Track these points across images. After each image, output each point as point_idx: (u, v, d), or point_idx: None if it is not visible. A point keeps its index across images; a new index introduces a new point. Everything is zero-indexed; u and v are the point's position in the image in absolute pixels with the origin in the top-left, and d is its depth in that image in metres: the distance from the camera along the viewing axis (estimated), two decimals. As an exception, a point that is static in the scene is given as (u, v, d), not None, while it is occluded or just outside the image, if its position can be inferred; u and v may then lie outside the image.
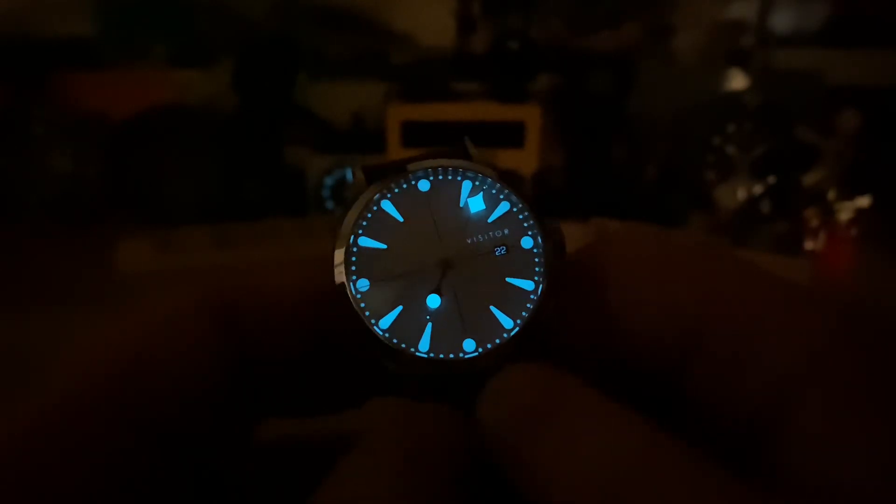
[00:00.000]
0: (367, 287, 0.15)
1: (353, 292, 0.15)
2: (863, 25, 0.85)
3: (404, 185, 0.16)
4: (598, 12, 0.84)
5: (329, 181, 0.75)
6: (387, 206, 0.16)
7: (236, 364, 0.15)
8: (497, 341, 0.15)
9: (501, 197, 0.16)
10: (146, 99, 0.77)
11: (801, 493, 0.12)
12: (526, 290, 0.15)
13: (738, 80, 0.84)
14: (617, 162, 0.79)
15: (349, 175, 0.75)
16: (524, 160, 0.69)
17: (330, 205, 0.75)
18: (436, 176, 0.16)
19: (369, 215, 0.16)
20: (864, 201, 0.70)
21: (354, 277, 0.16)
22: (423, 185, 0.16)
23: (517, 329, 0.15)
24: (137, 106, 0.77)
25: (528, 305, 0.15)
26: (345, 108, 0.82)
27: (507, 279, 0.16)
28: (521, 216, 0.16)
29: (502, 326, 0.15)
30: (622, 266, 0.15)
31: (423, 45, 0.84)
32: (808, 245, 0.69)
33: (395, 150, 0.71)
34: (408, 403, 0.14)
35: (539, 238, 0.16)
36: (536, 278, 0.16)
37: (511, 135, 0.70)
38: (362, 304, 0.15)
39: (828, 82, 0.82)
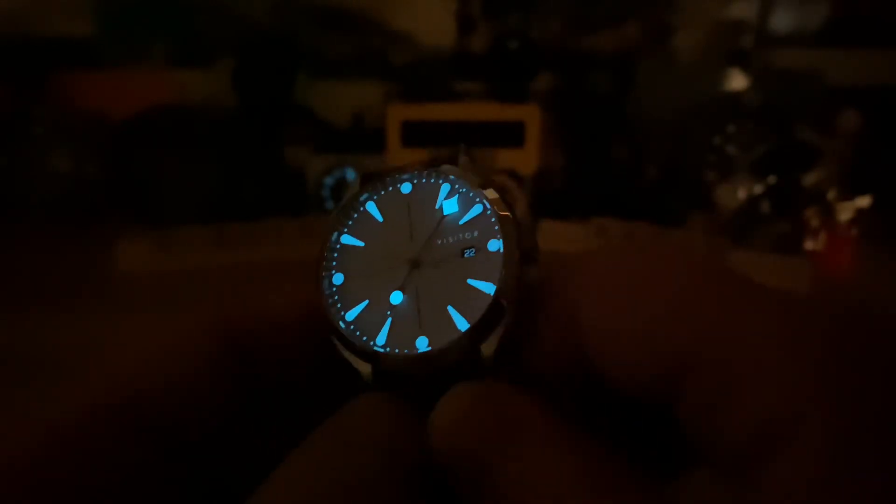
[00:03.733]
0: (342, 281, 0.17)
1: (328, 286, 0.16)
2: (863, 25, 0.85)
3: (389, 189, 0.17)
4: (598, 12, 0.84)
5: (329, 181, 0.75)
6: (371, 207, 0.17)
7: (242, 380, 0.16)
8: (448, 340, 0.15)
9: (477, 199, 0.16)
10: (146, 99, 0.77)
11: None
12: (485, 293, 0.15)
13: (738, 80, 0.84)
14: (617, 162, 0.79)
15: (349, 175, 0.75)
16: (524, 160, 0.69)
17: (330, 205, 0.75)
18: (419, 179, 0.17)
19: (355, 215, 0.17)
20: (864, 201, 0.70)
21: (333, 272, 0.17)
22: (405, 188, 0.17)
23: (468, 329, 0.15)
24: (137, 106, 0.77)
25: (484, 307, 0.15)
26: (345, 108, 0.82)
27: (469, 280, 0.16)
28: (493, 218, 0.16)
29: (455, 327, 0.15)
30: (593, 294, 0.15)
31: (423, 45, 0.84)
32: (808, 245, 0.69)
33: (395, 150, 0.71)
34: (360, 403, 0.15)
35: (507, 240, 0.16)
36: (497, 281, 0.15)
37: (511, 135, 0.70)
38: (336, 297, 0.16)
39: (828, 82, 0.82)
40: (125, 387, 0.15)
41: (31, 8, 0.80)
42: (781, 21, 0.86)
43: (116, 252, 0.64)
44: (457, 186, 0.17)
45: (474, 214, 0.16)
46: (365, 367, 0.16)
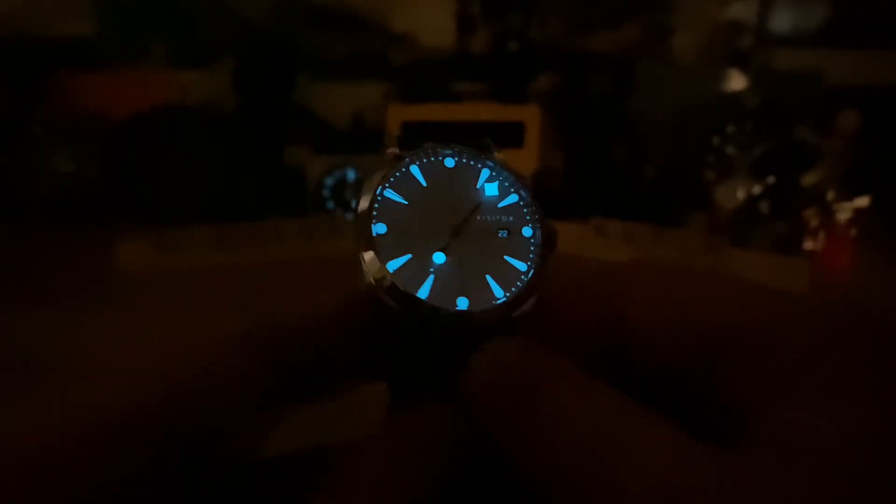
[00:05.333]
0: (384, 231, 0.18)
1: (372, 233, 0.17)
2: (862, 26, 0.85)
3: (432, 158, 0.19)
4: (597, 12, 0.84)
5: (329, 181, 0.75)
6: (414, 170, 0.18)
7: (271, 386, 0.16)
8: (487, 305, 0.17)
9: (512, 189, 0.19)
10: (146, 99, 0.77)
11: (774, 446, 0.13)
12: (519, 270, 0.18)
13: (737, 81, 0.84)
14: (617, 162, 0.80)
15: (349, 175, 0.75)
16: (524, 160, 0.69)
17: (330, 205, 0.75)
18: (460, 158, 0.19)
19: (398, 174, 0.18)
20: (863, 202, 0.70)
21: (374, 221, 0.18)
22: (449, 162, 0.19)
23: (505, 298, 0.17)
24: (138, 106, 0.77)
25: (518, 283, 0.17)
26: (345, 108, 0.82)
27: (506, 257, 0.18)
28: (525, 209, 0.18)
29: (493, 294, 0.17)
30: (642, 299, 0.17)
31: (422, 46, 0.84)
32: (808, 245, 0.70)
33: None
34: (399, 407, 0.16)
35: (538, 230, 0.18)
36: (529, 262, 0.18)
37: (511, 135, 0.70)
38: (377, 245, 0.17)
39: (827, 82, 0.82)
40: (160, 390, 0.15)
41: (31, 8, 0.80)
42: (780, 21, 0.86)
43: (117, 252, 0.64)
44: (495, 173, 0.19)
45: (511, 202, 0.18)
46: (401, 316, 0.17)
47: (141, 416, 0.15)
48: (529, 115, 0.70)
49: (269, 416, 0.17)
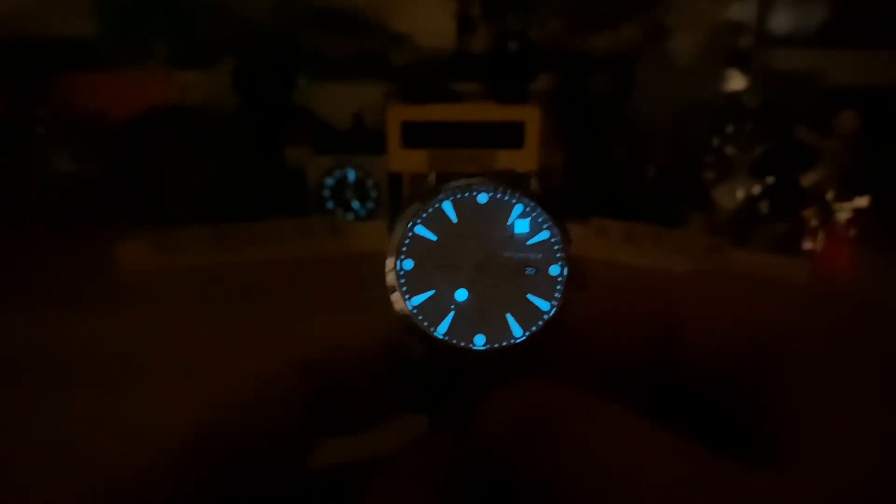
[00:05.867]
0: (412, 266, 0.18)
1: (398, 269, 0.18)
2: (862, 26, 0.85)
3: (466, 194, 0.19)
4: (597, 13, 0.84)
5: (329, 181, 0.75)
6: (447, 206, 0.18)
7: (316, 414, 0.18)
8: (504, 343, 0.17)
9: (545, 226, 0.18)
10: (147, 99, 0.77)
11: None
12: (541, 310, 0.18)
13: (737, 81, 0.84)
14: (616, 162, 0.80)
15: (350, 175, 0.75)
16: (524, 160, 0.69)
17: (330, 205, 0.75)
18: (495, 193, 0.19)
19: (430, 210, 0.18)
20: (862, 202, 0.71)
21: (403, 256, 0.18)
22: (482, 199, 0.19)
23: (524, 338, 0.17)
24: (138, 106, 0.77)
25: (539, 322, 0.17)
26: (345, 108, 0.82)
27: (528, 295, 0.18)
28: (556, 247, 0.18)
29: (512, 333, 0.17)
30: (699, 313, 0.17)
31: (422, 46, 0.84)
32: (807, 245, 0.70)
33: (396, 151, 0.71)
34: (426, 430, 0.17)
35: (565, 270, 0.18)
36: (553, 302, 0.18)
37: (511, 135, 0.70)
38: (402, 280, 0.18)
39: (827, 83, 0.82)
40: (226, 418, 0.16)
41: (32, 9, 0.80)
42: (780, 22, 0.86)
43: (117, 252, 0.64)
44: (528, 210, 0.18)
45: (541, 239, 0.18)
46: (420, 351, 0.17)
47: (211, 441, 0.16)
48: (529, 115, 0.70)
49: (313, 441, 0.18)
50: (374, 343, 0.18)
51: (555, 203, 0.19)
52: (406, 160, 0.71)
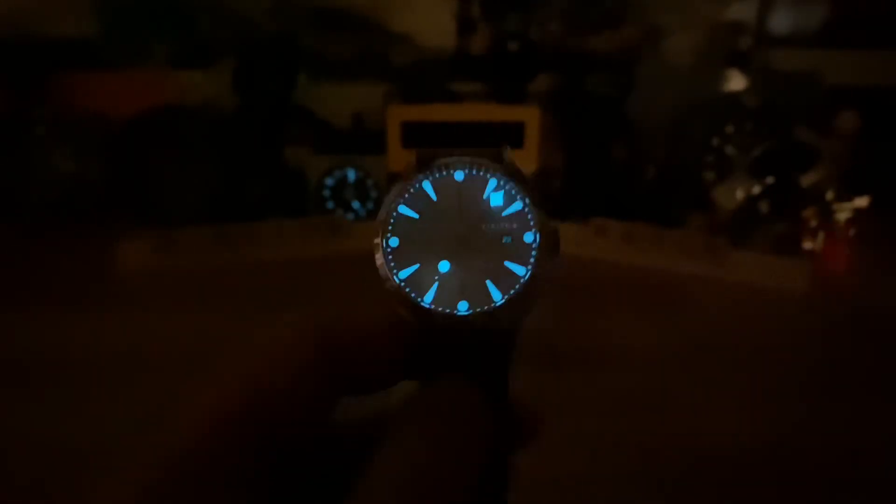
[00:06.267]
0: (397, 244, 0.20)
1: (385, 247, 0.19)
2: (861, 26, 0.85)
3: (444, 173, 0.20)
4: (597, 13, 0.84)
5: (329, 181, 0.75)
6: (426, 186, 0.20)
7: (332, 380, 0.18)
8: (485, 307, 0.19)
9: (518, 197, 0.20)
10: (147, 99, 0.77)
11: None
12: (518, 275, 0.19)
13: (736, 81, 0.84)
14: (616, 162, 0.80)
15: (350, 175, 0.75)
16: (524, 160, 0.69)
17: (330, 205, 0.75)
18: (470, 170, 0.20)
19: (412, 190, 0.20)
20: (862, 202, 0.71)
21: (389, 235, 0.20)
22: (458, 176, 0.20)
23: (503, 301, 0.19)
24: (138, 106, 0.77)
25: (517, 286, 0.19)
26: (345, 108, 0.82)
27: (505, 262, 0.19)
28: (529, 215, 0.20)
29: (491, 297, 0.19)
30: None
31: (423, 46, 0.85)
32: (807, 245, 0.70)
33: (396, 151, 0.71)
34: (429, 389, 0.18)
35: (538, 235, 0.19)
36: (528, 267, 0.19)
37: (510, 135, 0.71)
38: (389, 257, 0.19)
39: (826, 83, 0.82)
40: (247, 391, 0.17)
41: (33, 9, 0.80)
42: (780, 22, 0.86)
43: (117, 252, 0.64)
44: (502, 182, 0.20)
45: (515, 209, 0.20)
46: (411, 318, 0.19)
47: (241, 414, 0.17)
48: (529, 115, 0.70)
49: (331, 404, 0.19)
50: (381, 314, 0.19)
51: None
52: (406, 160, 0.71)
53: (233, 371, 0.17)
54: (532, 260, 0.19)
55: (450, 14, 0.84)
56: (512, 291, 0.19)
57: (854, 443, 0.40)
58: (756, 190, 0.73)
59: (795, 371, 0.49)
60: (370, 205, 0.75)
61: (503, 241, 0.19)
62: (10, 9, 0.79)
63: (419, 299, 0.19)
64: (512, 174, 0.20)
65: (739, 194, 0.73)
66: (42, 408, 0.42)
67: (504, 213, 0.20)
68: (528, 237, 0.19)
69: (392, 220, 0.20)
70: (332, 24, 0.84)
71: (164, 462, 0.15)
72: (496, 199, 0.20)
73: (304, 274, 0.64)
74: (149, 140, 0.76)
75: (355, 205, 0.76)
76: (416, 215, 0.20)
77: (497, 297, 0.19)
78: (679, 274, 0.64)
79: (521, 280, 0.19)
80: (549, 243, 0.19)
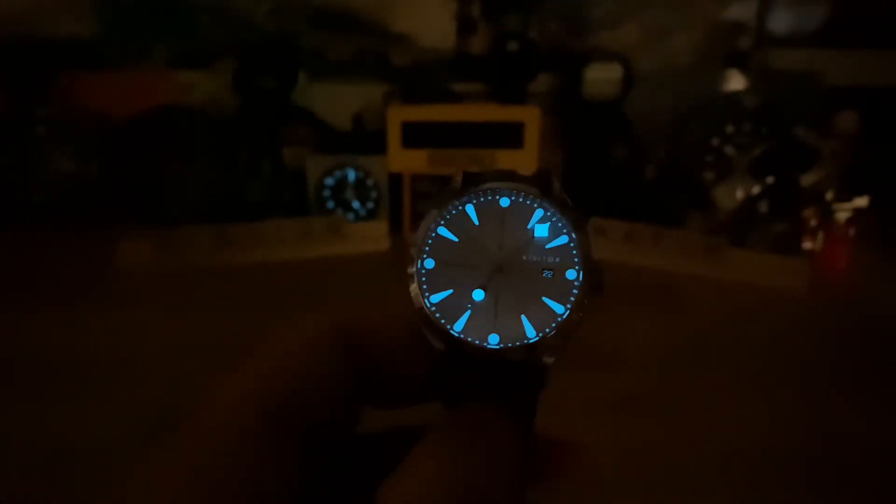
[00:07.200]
0: (432, 266, 0.19)
1: (420, 268, 0.19)
2: (861, 26, 0.85)
3: (489, 197, 0.19)
4: (597, 13, 0.84)
5: (329, 181, 0.75)
6: (469, 209, 0.19)
7: (357, 383, 0.18)
8: (517, 342, 0.18)
9: (564, 231, 0.19)
10: (147, 100, 0.78)
11: None
12: (556, 312, 0.18)
13: (736, 81, 0.84)
14: (616, 163, 0.80)
15: (350, 175, 0.75)
16: (523, 161, 0.69)
17: (330, 205, 0.75)
18: (517, 197, 0.19)
19: (454, 212, 0.19)
20: (862, 202, 0.71)
21: (425, 256, 0.19)
22: (504, 202, 0.19)
23: (536, 339, 0.18)
24: (139, 107, 0.77)
25: (553, 325, 0.18)
26: (345, 108, 0.82)
27: (544, 298, 0.18)
28: (574, 251, 0.19)
29: (525, 333, 0.18)
30: None
31: (423, 47, 0.85)
32: (807, 245, 0.70)
33: (396, 151, 0.71)
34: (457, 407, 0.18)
35: (581, 273, 0.18)
36: (568, 305, 0.18)
37: (510, 135, 0.71)
38: (423, 279, 0.19)
39: (826, 83, 0.82)
40: (274, 385, 0.17)
41: (33, 9, 0.80)
42: (780, 22, 0.86)
43: (118, 252, 0.64)
44: (549, 214, 0.19)
45: (560, 243, 0.19)
46: (439, 345, 0.18)
47: (272, 415, 0.16)
48: (529, 116, 0.70)
49: (356, 410, 0.19)
50: (404, 320, 0.19)
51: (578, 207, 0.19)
52: (406, 160, 0.72)
53: (262, 364, 0.17)
54: (573, 298, 0.18)
55: (450, 14, 0.84)
56: (547, 330, 0.18)
57: (854, 442, 0.40)
58: (756, 190, 0.73)
59: (795, 371, 0.49)
60: (370, 205, 0.76)
61: (544, 274, 0.18)
62: (10, 9, 0.79)
63: (449, 326, 0.18)
64: (561, 205, 0.19)
65: (739, 194, 0.73)
66: (42, 408, 0.42)
67: (548, 246, 0.19)
68: (571, 274, 0.18)
69: (430, 241, 0.19)
70: (332, 24, 0.84)
71: (210, 444, 0.15)
72: (541, 230, 0.19)
73: (304, 274, 0.65)
74: (149, 140, 0.76)
75: (355, 205, 0.76)
76: (455, 238, 0.19)
77: (531, 333, 0.18)
78: (679, 274, 0.65)
79: (559, 318, 0.18)
80: (593, 283, 0.18)
